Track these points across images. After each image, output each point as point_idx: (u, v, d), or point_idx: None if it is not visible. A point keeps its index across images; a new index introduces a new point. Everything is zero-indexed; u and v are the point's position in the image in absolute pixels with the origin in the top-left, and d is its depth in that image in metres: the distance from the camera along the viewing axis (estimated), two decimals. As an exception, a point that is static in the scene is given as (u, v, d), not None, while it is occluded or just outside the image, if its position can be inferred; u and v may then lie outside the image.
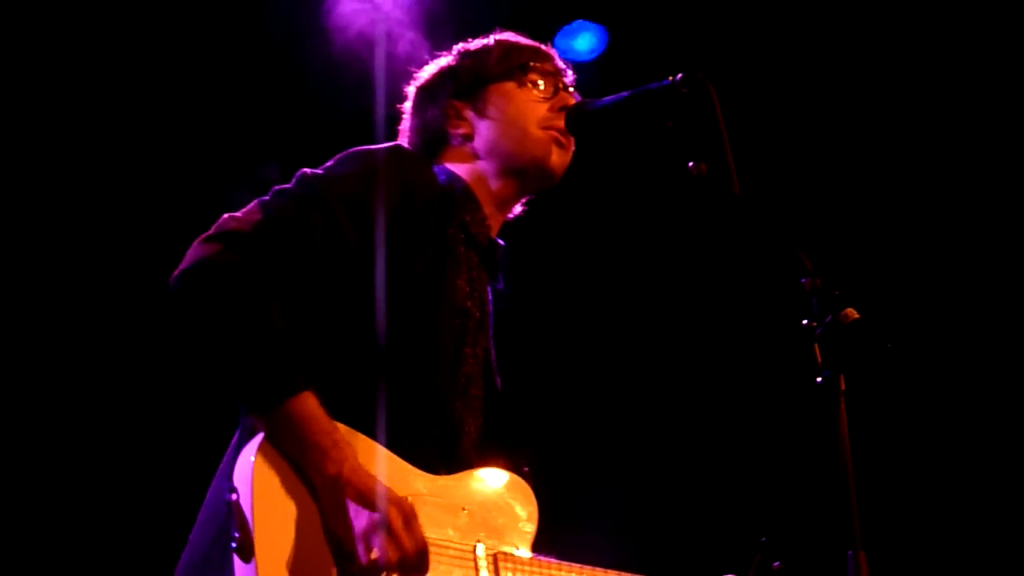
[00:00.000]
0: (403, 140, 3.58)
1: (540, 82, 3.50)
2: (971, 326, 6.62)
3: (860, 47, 6.47)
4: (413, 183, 3.21)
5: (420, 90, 3.59)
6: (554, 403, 6.56)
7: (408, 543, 2.87)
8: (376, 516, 2.85)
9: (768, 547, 3.20)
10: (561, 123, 3.44)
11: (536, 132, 3.44)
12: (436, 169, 3.44)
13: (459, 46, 3.60)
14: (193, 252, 2.95)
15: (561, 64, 3.57)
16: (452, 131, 3.49)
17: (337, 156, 3.23)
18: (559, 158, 3.46)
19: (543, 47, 3.58)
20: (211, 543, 2.91)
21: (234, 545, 2.75)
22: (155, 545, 3.67)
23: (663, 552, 6.16)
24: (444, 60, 3.60)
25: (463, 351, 3.28)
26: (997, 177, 6.59)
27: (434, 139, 3.52)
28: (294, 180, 3.13)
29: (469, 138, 3.48)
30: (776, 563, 3.16)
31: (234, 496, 2.79)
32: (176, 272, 2.94)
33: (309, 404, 2.89)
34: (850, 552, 2.59)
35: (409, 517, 2.89)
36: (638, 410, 6.74)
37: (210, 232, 2.98)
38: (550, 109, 3.47)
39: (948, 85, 6.50)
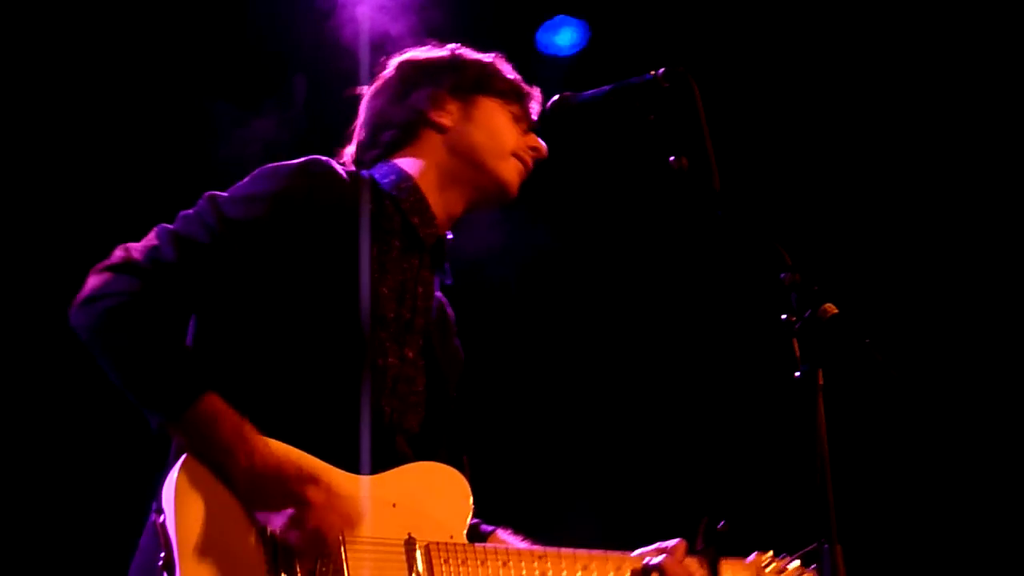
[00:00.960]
0: (371, 104, 3.57)
1: (523, 119, 3.55)
2: (950, 321, 6.65)
3: (840, 42, 6.49)
4: (319, 198, 3.22)
5: (415, 67, 3.57)
6: (527, 398, 6.56)
7: (331, 518, 2.96)
8: (293, 497, 2.94)
9: (714, 510, 3.23)
10: (530, 160, 3.53)
11: (510, 156, 3.50)
12: (386, 167, 3.46)
13: (457, 46, 3.60)
14: (88, 282, 3.05)
15: (537, 109, 3.60)
16: (434, 118, 3.48)
17: (250, 175, 3.26)
18: (516, 189, 3.53)
19: (534, 89, 3.60)
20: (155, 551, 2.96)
21: (160, 563, 2.86)
22: (111, 546, 3.66)
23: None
24: (441, 52, 3.59)
25: (386, 357, 3.29)
26: (975, 172, 6.61)
27: (408, 121, 3.50)
28: (197, 204, 3.18)
29: (444, 130, 3.48)
30: (721, 524, 3.19)
31: (161, 518, 2.89)
32: (73, 302, 3.04)
33: (214, 405, 2.97)
34: (826, 545, 2.60)
35: (325, 486, 2.97)
36: (615, 404, 6.75)
37: (103, 263, 3.07)
38: (526, 141, 3.54)
39: (925, 80, 6.52)
